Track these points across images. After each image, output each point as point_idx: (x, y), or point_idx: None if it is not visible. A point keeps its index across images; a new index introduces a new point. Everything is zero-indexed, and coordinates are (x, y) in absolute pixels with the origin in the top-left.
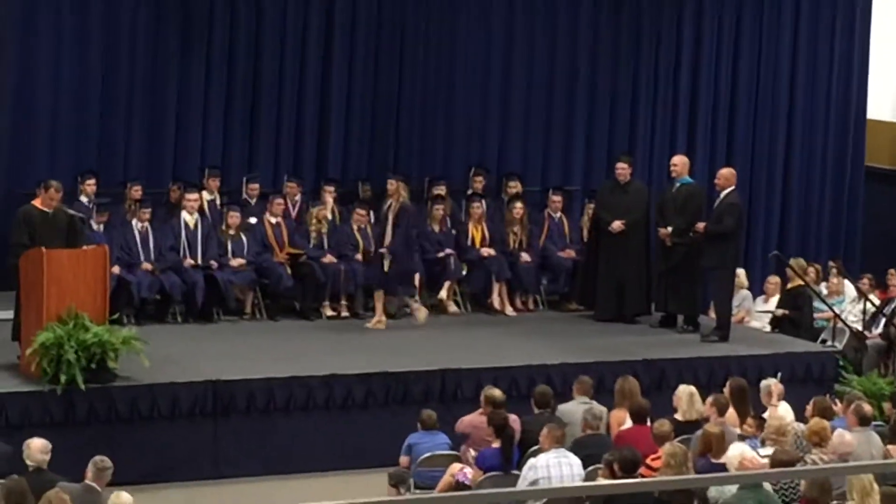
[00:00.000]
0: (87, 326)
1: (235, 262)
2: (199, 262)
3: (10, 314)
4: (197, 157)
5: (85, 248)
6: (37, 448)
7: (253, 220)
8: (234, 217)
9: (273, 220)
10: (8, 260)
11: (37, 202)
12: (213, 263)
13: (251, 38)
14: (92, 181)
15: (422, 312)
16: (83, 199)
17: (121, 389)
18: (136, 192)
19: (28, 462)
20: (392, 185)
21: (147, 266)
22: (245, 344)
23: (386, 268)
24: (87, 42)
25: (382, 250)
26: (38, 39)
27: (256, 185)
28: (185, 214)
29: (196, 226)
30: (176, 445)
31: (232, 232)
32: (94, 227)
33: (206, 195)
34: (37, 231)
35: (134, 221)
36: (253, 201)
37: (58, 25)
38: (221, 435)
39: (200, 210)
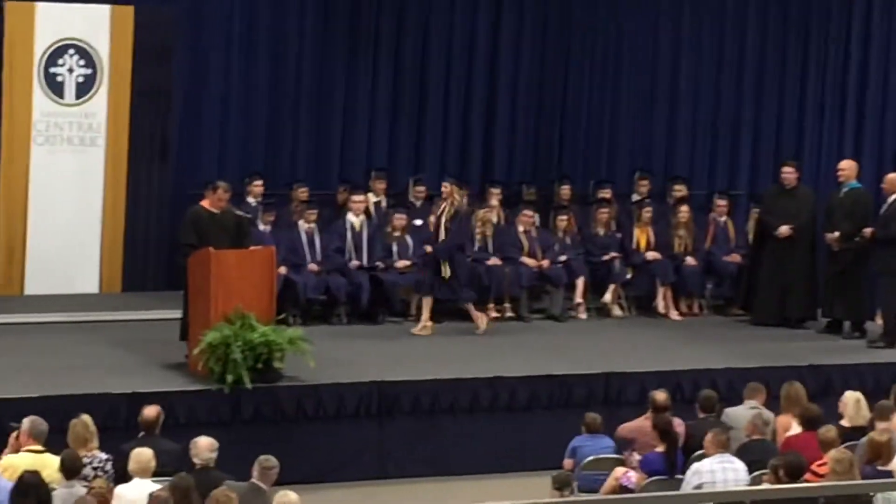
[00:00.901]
0: (253, 326)
1: (401, 263)
2: (365, 263)
3: (178, 314)
4: (363, 160)
5: (252, 248)
6: (204, 446)
7: (419, 223)
8: (399, 219)
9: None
10: (176, 260)
11: (205, 203)
12: (379, 265)
13: (418, 41)
14: (259, 182)
15: (482, 320)
16: (250, 200)
17: (287, 389)
18: (303, 193)
19: (195, 460)
20: (446, 187)
21: (313, 267)
22: (410, 345)
23: (446, 274)
24: (255, 45)
25: (427, 247)
26: (208, 42)
27: (423, 188)
28: (351, 216)
29: (362, 227)
30: (341, 446)
31: (397, 234)
32: (261, 227)
33: (372, 197)
34: (205, 231)
35: (300, 223)
36: (419, 203)
37: (227, 29)
38: (386, 436)
39: (366, 212)
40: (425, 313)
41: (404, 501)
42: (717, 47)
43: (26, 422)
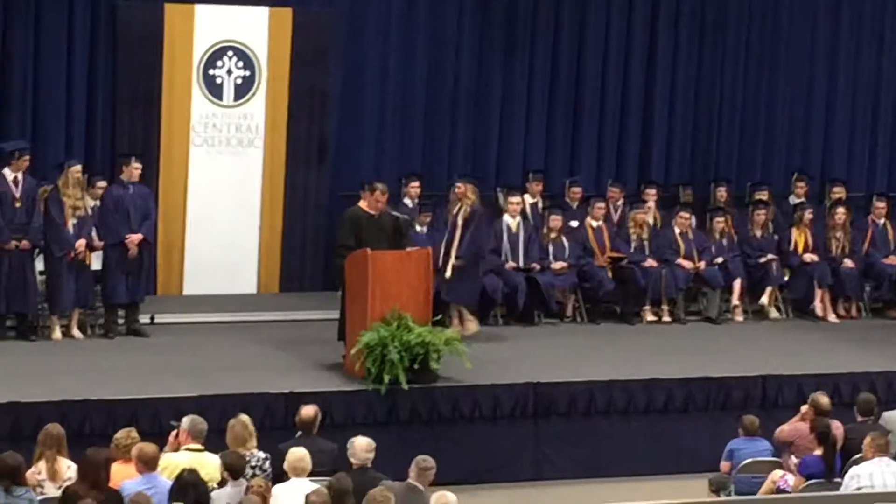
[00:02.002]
0: (410, 327)
1: (557, 265)
2: (521, 264)
3: (335, 314)
4: (520, 161)
5: (409, 249)
6: (361, 447)
7: (574, 224)
8: (555, 220)
9: (594, 224)
10: (334, 261)
11: (363, 204)
12: (535, 266)
13: (574, 42)
14: (416, 184)
15: (473, 324)
16: (407, 201)
17: (443, 390)
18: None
19: (352, 460)
20: (460, 188)
21: None
22: (565, 347)
23: (448, 274)
24: (412, 46)
25: (456, 261)
26: (365, 44)
27: (579, 189)
28: (507, 217)
29: (518, 229)
30: (497, 446)
31: (553, 235)
32: (418, 228)
33: (528, 198)
34: (362, 232)
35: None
36: (574, 205)
37: (384, 30)
38: (542, 437)
39: (523, 213)
40: (466, 312)
41: (558, 503)
42: (877, 47)
43: (186, 421)
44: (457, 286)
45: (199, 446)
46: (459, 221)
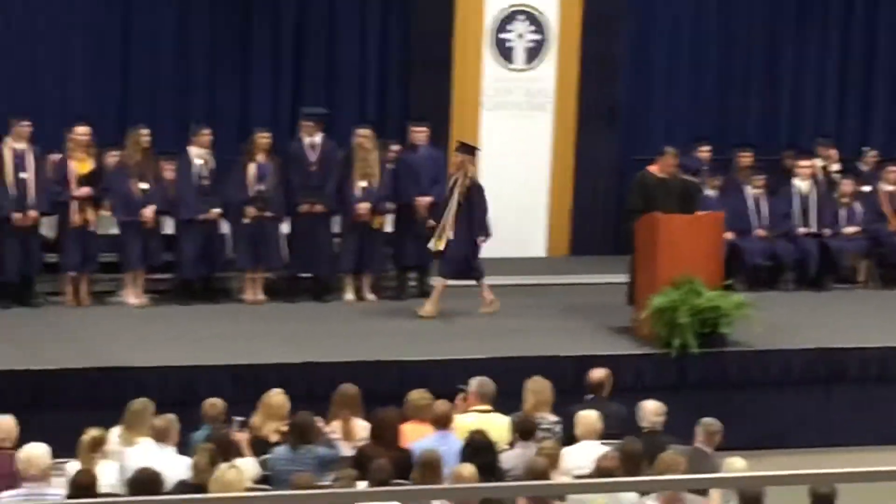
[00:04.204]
0: (700, 291)
1: (849, 229)
2: (813, 229)
3: (624, 278)
4: (811, 125)
5: (699, 213)
6: (651, 410)
7: (867, 188)
8: (847, 185)
9: (887, 189)
10: (623, 225)
11: (653, 168)
12: (826, 231)
13: (866, 12)
14: (707, 148)
15: (489, 305)
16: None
17: (733, 354)
18: (747, 158)
19: (642, 424)
20: (457, 157)
21: (760, 232)
22: (857, 312)
23: (437, 246)
24: (704, 9)
25: (441, 231)
26: (655, 6)
27: (874, 152)
28: (797, 182)
29: (809, 193)
30: (786, 412)
31: (845, 200)
32: (708, 192)
33: (818, 162)
34: (652, 197)
35: (747, 188)
36: (867, 169)
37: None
38: (832, 403)
39: (814, 177)
40: (486, 293)
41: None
42: None
43: (474, 382)
44: (448, 261)
45: (487, 407)
46: (455, 194)
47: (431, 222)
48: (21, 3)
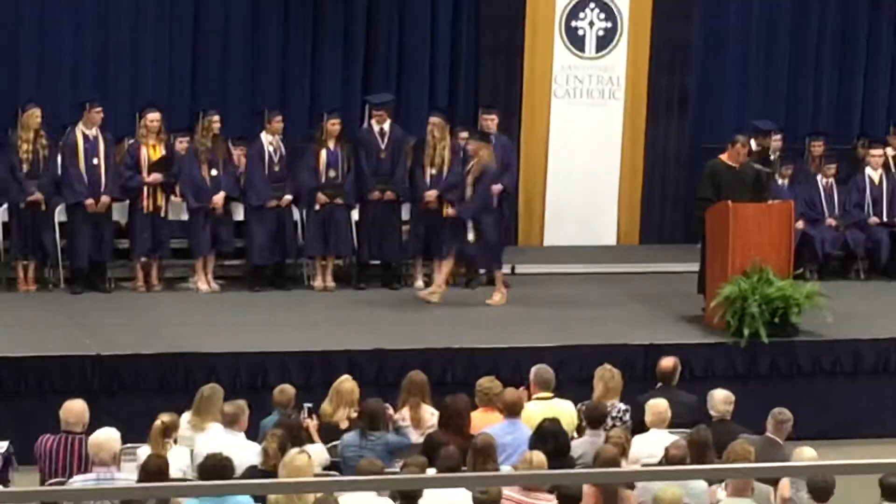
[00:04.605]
0: (771, 280)
1: None
2: (885, 219)
3: (695, 267)
4: (884, 113)
5: (770, 202)
6: (720, 399)
7: None
8: None
9: None
10: (694, 213)
11: (724, 157)
12: None
13: None
14: (778, 137)
15: (501, 295)
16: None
17: (803, 344)
18: (818, 147)
19: (712, 412)
20: (472, 145)
21: (831, 222)
22: None
23: (471, 237)
24: None
25: (451, 211)
26: None
27: None
28: (869, 170)
29: (881, 182)
30: (858, 402)
31: None
32: (779, 181)
33: (890, 151)
34: (723, 185)
35: (818, 177)
36: None
37: None
38: None
39: (885, 166)
40: (440, 276)
41: None
42: None
43: (532, 371)
44: (480, 250)
45: (548, 394)
46: (470, 180)
47: (450, 210)
48: None
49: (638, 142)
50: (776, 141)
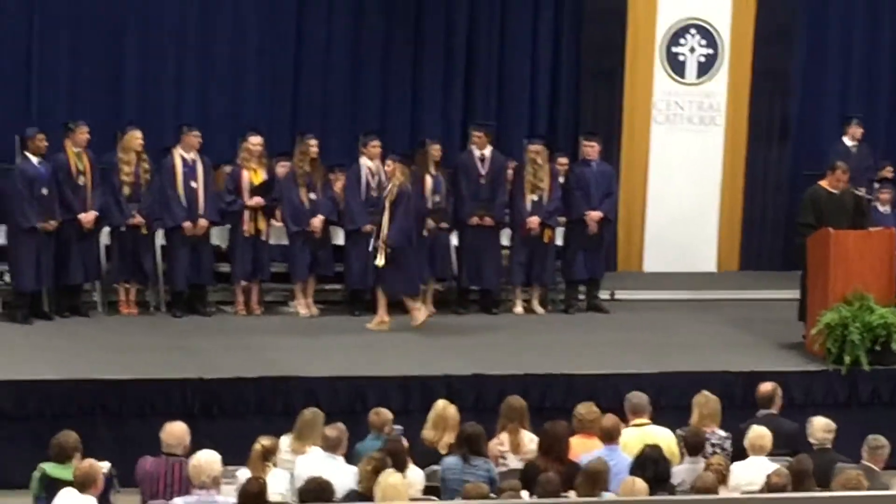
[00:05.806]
0: (872, 308)
1: None
2: None
3: (795, 294)
4: None
5: (871, 229)
6: (820, 427)
7: None
8: None
9: None
10: (794, 240)
11: (824, 183)
12: None
13: None
14: (889, 167)
15: (421, 313)
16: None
17: None
18: (889, 172)
19: (811, 440)
20: (389, 166)
21: None
22: None
23: (380, 262)
24: (877, 22)
25: (378, 244)
26: (828, 21)
27: None
28: None
29: None
30: None
31: None
32: (880, 208)
33: None
34: (823, 211)
35: None
36: None
37: (849, 6)
38: None
39: None
40: (380, 307)
41: None
42: None
43: (627, 398)
44: (391, 275)
45: (645, 420)
46: (387, 204)
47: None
48: (195, 14)
49: (738, 168)
50: (888, 172)
